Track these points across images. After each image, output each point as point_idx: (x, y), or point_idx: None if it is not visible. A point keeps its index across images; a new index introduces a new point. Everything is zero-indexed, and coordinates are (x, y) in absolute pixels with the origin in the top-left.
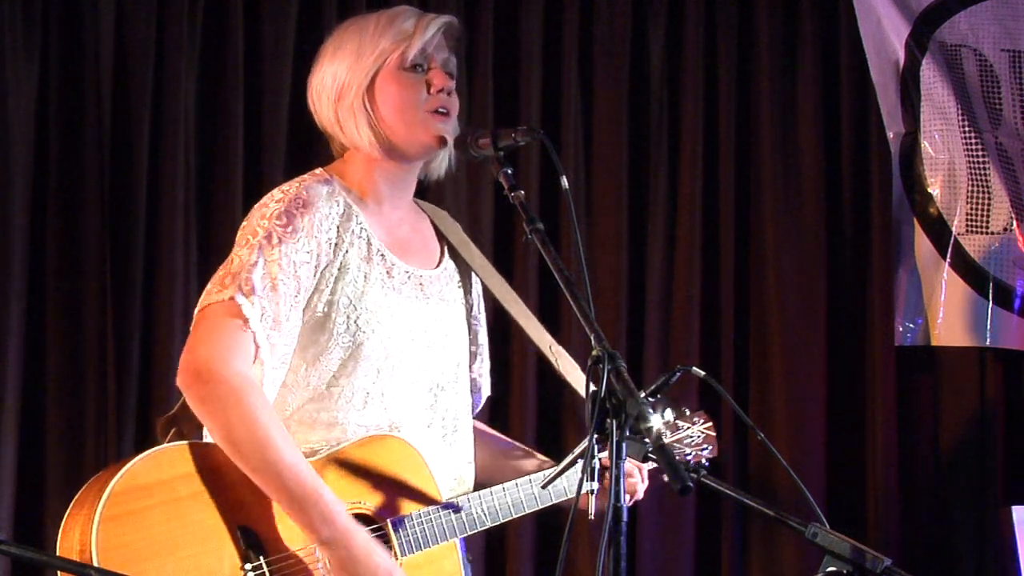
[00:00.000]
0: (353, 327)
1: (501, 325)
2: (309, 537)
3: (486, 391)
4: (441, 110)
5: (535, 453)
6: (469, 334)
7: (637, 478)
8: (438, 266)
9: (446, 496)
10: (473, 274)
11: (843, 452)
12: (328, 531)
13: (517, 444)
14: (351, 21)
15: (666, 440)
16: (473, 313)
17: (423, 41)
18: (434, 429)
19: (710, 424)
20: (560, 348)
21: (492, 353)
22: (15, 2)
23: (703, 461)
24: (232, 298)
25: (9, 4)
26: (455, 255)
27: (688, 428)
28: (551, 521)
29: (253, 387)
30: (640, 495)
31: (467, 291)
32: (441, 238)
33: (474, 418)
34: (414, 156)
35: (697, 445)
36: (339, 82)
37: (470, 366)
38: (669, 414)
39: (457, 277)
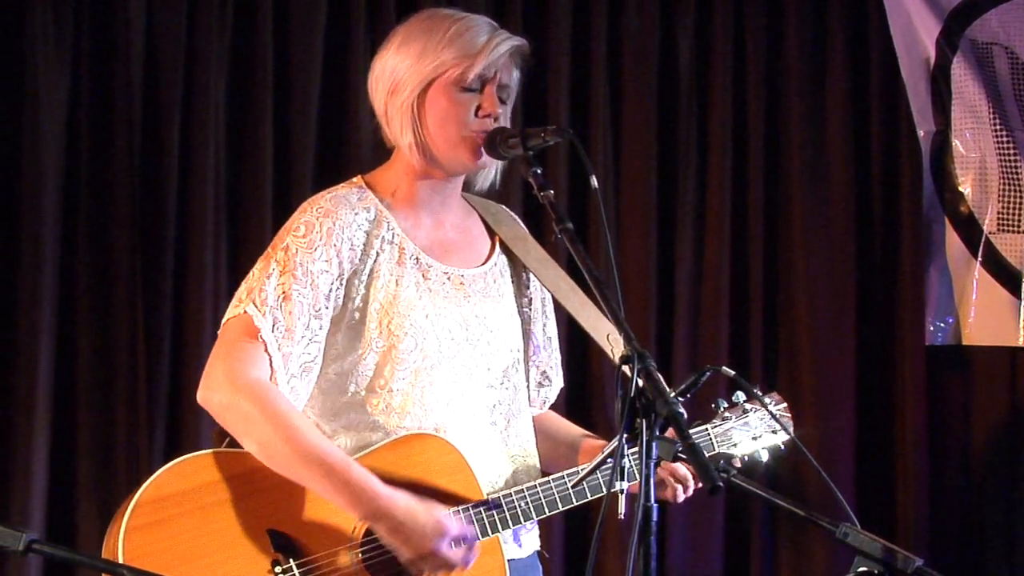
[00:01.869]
0: (386, 331)
1: None
2: (353, 515)
3: (558, 383)
4: (483, 134)
5: (604, 443)
6: (526, 327)
7: (680, 489)
8: (485, 263)
9: (497, 491)
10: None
11: (873, 452)
12: (367, 506)
13: (583, 433)
14: (427, 15)
15: (732, 424)
16: (534, 306)
17: (484, 65)
18: (484, 426)
19: (784, 405)
20: (618, 337)
21: None
22: (47, 7)
23: (779, 445)
24: (245, 311)
25: (41, 9)
26: (507, 250)
27: (758, 410)
28: (581, 520)
29: (269, 388)
30: (679, 498)
31: (523, 285)
32: (493, 234)
33: (549, 409)
34: (450, 171)
35: (769, 428)
36: (396, 77)
37: (531, 359)
38: (738, 395)
39: (509, 272)
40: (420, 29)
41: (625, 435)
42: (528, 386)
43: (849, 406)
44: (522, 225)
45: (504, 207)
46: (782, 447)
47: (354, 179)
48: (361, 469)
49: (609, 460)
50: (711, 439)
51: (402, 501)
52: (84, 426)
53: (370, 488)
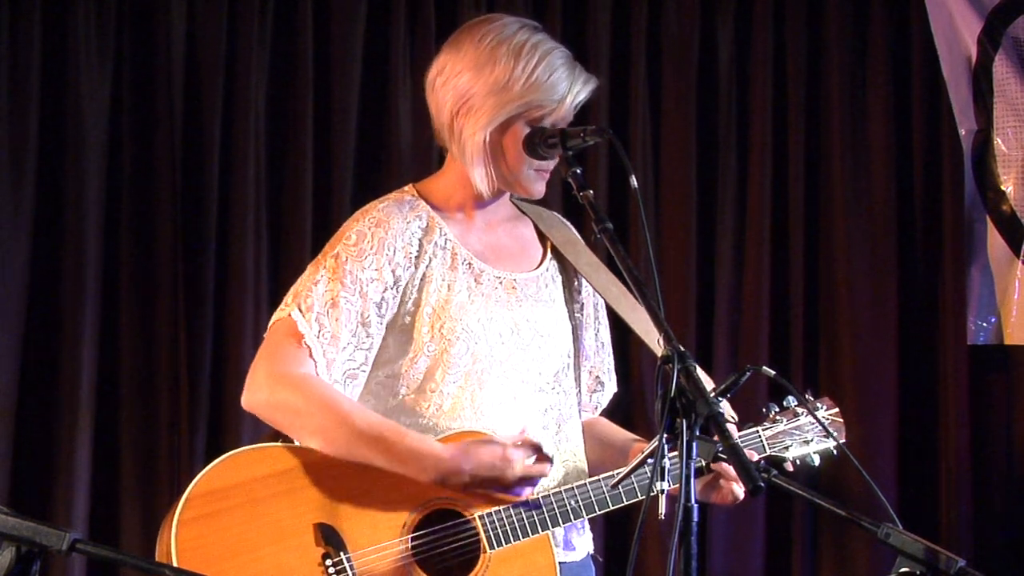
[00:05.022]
0: (438, 335)
1: None
2: (423, 481)
3: (611, 388)
4: (545, 169)
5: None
6: (576, 332)
7: (739, 489)
8: (537, 268)
9: (545, 491)
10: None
11: (915, 451)
12: (433, 471)
13: (634, 438)
14: (514, 32)
15: (783, 427)
16: (585, 311)
17: (565, 111)
18: (535, 429)
19: (836, 411)
20: None
21: None
22: (89, 9)
23: (831, 449)
24: (290, 315)
25: (83, 11)
26: (559, 255)
27: (806, 416)
28: (622, 520)
29: (311, 378)
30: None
31: (574, 291)
32: (544, 239)
33: (601, 414)
34: (507, 192)
35: (821, 433)
36: (471, 98)
37: (583, 364)
38: (789, 400)
39: (561, 277)
40: (506, 52)
41: (665, 435)
42: (580, 391)
43: (891, 406)
44: (573, 230)
45: (556, 213)
46: (834, 451)
47: (405, 188)
48: (416, 435)
49: (650, 460)
50: (762, 442)
51: (461, 455)
52: (127, 427)
53: (432, 452)
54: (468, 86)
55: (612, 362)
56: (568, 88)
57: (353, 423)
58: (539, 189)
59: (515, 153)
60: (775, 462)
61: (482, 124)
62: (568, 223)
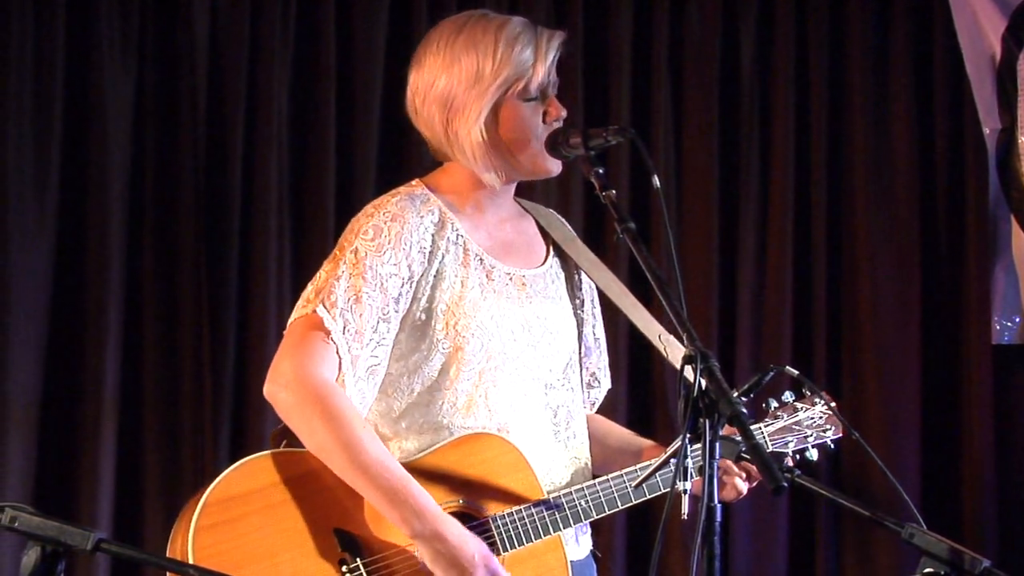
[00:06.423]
0: (452, 332)
1: None
2: (403, 532)
3: (606, 384)
4: None
5: (654, 444)
6: (578, 329)
7: (740, 482)
8: (543, 265)
9: (556, 490)
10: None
11: (938, 452)
12: (419, 524)
13: (632, 434)
14: (458, 26)
15: (784, 423)
16: (585, 308)
17: (543, 71)
18: (546, 426)
19: (833, 404)
20: (670, 337)
21: None
22: (112, 8)
23: (828, 443)
24: (315, 311)
25: (107, 10)
26: (560, 253)
27: (808, 409)
28: (642, 521)
29: (336, 391)
30: (743, 491)
31: (576, 287)
32: (546, 236)
33: (596, 412)
34: (525, 179)
35: (819, 427)
36: (454, 100)
37: (583, 361)
38: (788, 395)
39: (563, 274)
40: (463, 45)
41: (688, 435)
42: (582, 388)
43: (914, 406)
44: (571, 228)
45: (552, 211)
46: (831, 445)
47: (413, 182)
48: (420, 488)
49: (672, 460)
50: (764, 438)
51: (453, 528)
52: (150, 427)
53: (428, 509)
54: (446, 89)
55: (607, 358)
56: (535, 48)
57: (356, 453)
58: (556, 166)
59: (518, 132)
60: (780, 457)
61: (474, 118)
62: (565, 221)
